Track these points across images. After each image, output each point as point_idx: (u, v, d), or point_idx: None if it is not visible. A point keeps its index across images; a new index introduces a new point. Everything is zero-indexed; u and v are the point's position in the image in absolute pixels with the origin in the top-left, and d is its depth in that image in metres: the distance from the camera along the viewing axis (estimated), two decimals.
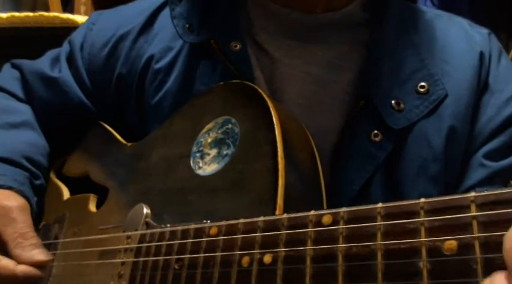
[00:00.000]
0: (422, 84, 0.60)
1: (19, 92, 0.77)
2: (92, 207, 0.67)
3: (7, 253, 0.57)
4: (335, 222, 0.37)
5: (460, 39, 0.66)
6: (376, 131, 0.58)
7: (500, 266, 0.29)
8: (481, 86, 0.63)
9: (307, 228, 0.39)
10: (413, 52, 0.63)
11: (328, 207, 0.44)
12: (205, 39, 0.64)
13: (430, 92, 0.60)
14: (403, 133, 0.59)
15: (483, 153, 0.60)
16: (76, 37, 0.76)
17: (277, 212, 0.45)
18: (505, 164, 0.59)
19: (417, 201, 0.34)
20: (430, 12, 0.70)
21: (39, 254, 0.57)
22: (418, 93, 0.60)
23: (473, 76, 0.62)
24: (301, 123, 0.56)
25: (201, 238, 0.46)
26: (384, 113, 0.59)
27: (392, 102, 0.59)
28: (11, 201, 0.61)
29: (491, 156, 0.60)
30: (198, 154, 0.56)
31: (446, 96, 0.60)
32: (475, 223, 0.31)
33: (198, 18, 0.65)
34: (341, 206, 0.38)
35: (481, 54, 0.64)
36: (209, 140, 0.56)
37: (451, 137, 0.60)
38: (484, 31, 0.68)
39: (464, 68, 0.63)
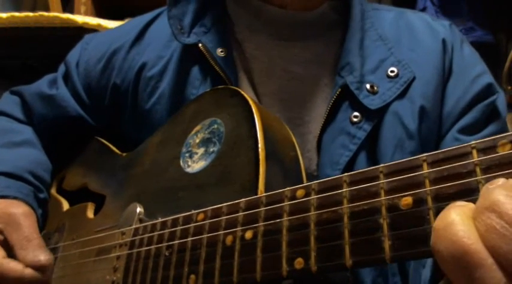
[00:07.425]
0: (392, 69, 0.66)
1: (20, 115, 0.82)
2: (90, 214, 0.70)
3: (14, 258, 0.60)
4: (307, 194, 0.41)
5: (423, 30, 0.71)
6: (355, 113, 0.64)
7: None
8: (446, 72, 0.68)
9: (283, 203, 0.42)
10: (380, 43, 0.69)
11: None
12: (195, 42, 0.69)
13: (399, 75, 0.66)
14: (380, 114, 0.64)
15: (457, 129, 0.65)
16: (71, 57, 0.81)
17: None
18: (478, 138, 0.63)
19: (377, 167, 0.38)
20: (394, 10, 0.77)
21: (43, 255, 0.60)
22: (389, 77, 0.66)
23: (438, 61, 0.68)
24: (281, 119, 0.60)
25: (189, 224, 0.49)
26: (361, 96, 0.64)
27: (367, 86, 0.65)
28: (17, 208, 0.65)
29: (465, 131, 0.64)
30: (187, 154, 0.59)
31: (414, 78, 0.66)
32: (427, 179, 0.34)
33: (190, 22, 0.70)
34: None
35: (444, 41, 0.69)
36: (197, 140, 0.59)
37: (422, 116, 0.64)
38: (446, 23, 0.74)
39: (429, 54, 0.68)
